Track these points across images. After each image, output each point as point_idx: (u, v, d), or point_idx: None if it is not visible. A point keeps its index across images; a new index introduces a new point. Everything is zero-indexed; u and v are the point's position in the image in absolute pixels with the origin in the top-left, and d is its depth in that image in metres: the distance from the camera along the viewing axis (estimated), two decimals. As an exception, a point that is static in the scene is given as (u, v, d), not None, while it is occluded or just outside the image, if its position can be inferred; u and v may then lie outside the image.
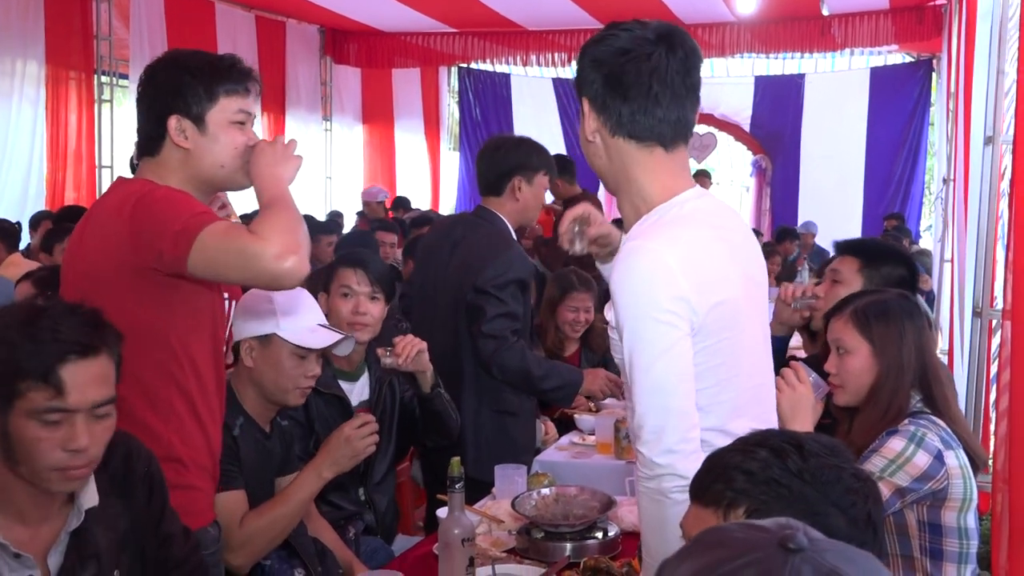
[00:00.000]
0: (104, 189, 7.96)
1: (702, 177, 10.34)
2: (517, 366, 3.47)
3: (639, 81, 1.91)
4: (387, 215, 9.74)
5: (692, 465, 1.51)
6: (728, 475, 1.35)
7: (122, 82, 9.17)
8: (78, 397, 1.75)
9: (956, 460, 2.45)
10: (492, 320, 3.45)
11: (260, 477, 2.64)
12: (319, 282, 3.12)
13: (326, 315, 2.87)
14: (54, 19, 8.25)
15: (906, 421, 2.47)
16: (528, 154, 3.66)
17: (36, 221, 6.99)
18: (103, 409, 1.81)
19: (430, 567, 2.47)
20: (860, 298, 2.65)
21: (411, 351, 3.01)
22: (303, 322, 2.65)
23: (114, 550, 1.93)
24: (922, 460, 2.40)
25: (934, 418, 2.49)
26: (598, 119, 1.98)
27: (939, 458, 2.41)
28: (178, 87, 2.20)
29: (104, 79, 8.94)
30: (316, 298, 2.86)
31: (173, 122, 2.19)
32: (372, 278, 3.06)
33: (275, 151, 2.28)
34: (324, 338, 2.65)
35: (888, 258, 3.09)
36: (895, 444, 2.42)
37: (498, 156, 3.66)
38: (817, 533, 1.03)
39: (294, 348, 2.59)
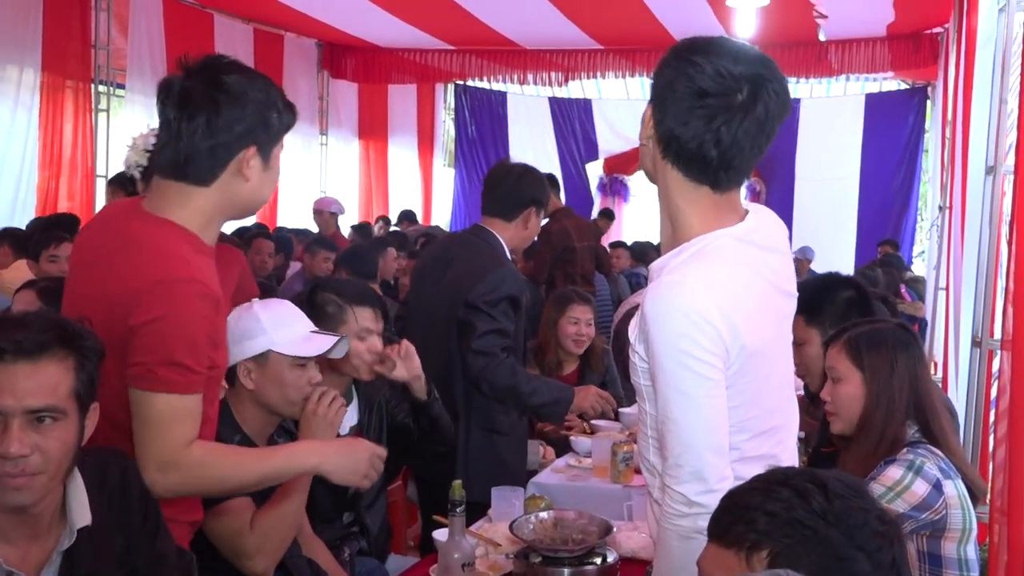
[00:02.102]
0: (100, 198, 7.97)
1: None
2: (506, 383, 3.47)
3: (708, 129, 1.81)
4: (336, 229, 9.50)
5: None
6: (750, 516, 1.32)
7: (119, 91, 9.16)
8: (10, 399, 1.69)
9: (955, 490, 2.44)
10: (482, 336, 3.45)
11: (261, 493, 2.60)
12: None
13: None
14: (52, 27, 8.24)
15: (904, 450, 2.46)
16: (544, 189, 3.82)
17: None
18: (45, 417, 1.73)
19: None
20: (857, 327, 2.64)
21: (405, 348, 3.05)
22: (295, 332, 2.62)
23: (108, 570, 1.89)
24: (920, 488, 2.39)
25: (932, 448, 2.48)
26: (655, 134, 1.90)
27: (937, 487, 2.40)
28: (266, 119, 2.13)
29: (102, 88, 8.94)
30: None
31: (250, 153, 2.11)
32: (379, 315, 3.08)
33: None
34: (320, 344, 2.63)
35: (825, 294, 3.05)
36: (893, 472, 2.41)
37: (521, 185, 3.74)
38: None
39: (293, 359, 2.57)
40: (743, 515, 1.33)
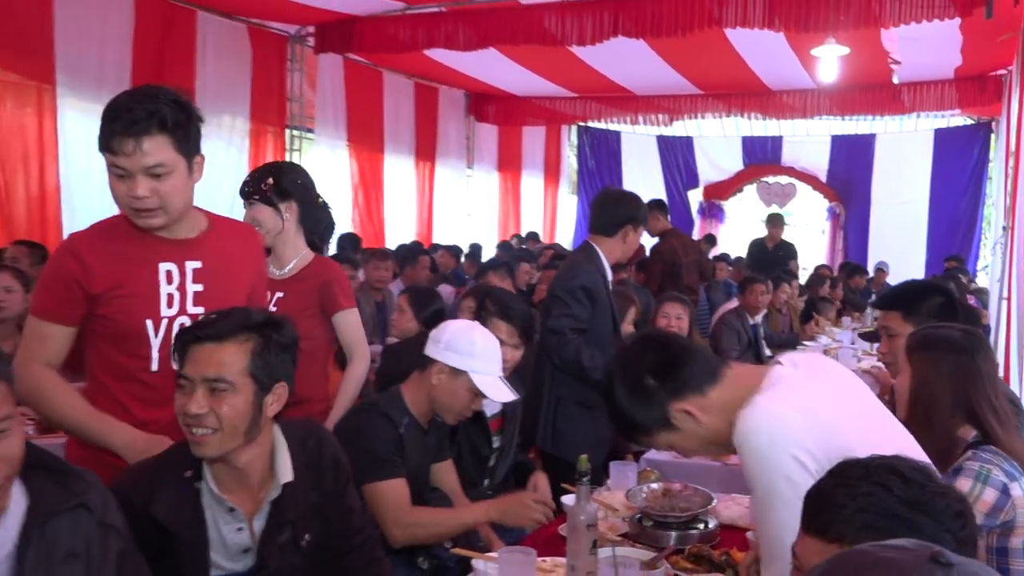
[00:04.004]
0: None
1: (776, 223, 9.92)
2: (572, 358, 3.51)
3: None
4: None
5: None
6: (839, 509, 1.24)
7: (308, 135, 9.44)
8: (194, 370, 1.80)
9: (1021, 490, 2.23)
10: (556, 318, 3.55)
11: (420, 465, 2.64)
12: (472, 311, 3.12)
13: None
14: (258, 84, 8.56)
15: (969, 454, 2.24)
16: (640, 209, 3.81)
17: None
18: (219, 386, 1.80)
19: (558, 546, 2.42)
20: (927, 328, 2.50)
21: None
22: (492, 370, 2.61)
23: (305, 518, 1.95)
24: (990, 496, 2.17)
25: (995, 449, 2.25)
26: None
27: (1005, 492, 2.18)
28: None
29: (295, 132, 9.24)
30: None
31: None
32: (519, 331, 3.08)
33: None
34: (504, 393, 2.62)
35: (922, 295, 2.90)
36: (962, 484, 2.16)
37: (619, 207, 3.76)
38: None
39: (476, 390, 2.57)
40: (838, 512, 1.24)
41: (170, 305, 2.12)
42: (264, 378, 1.84)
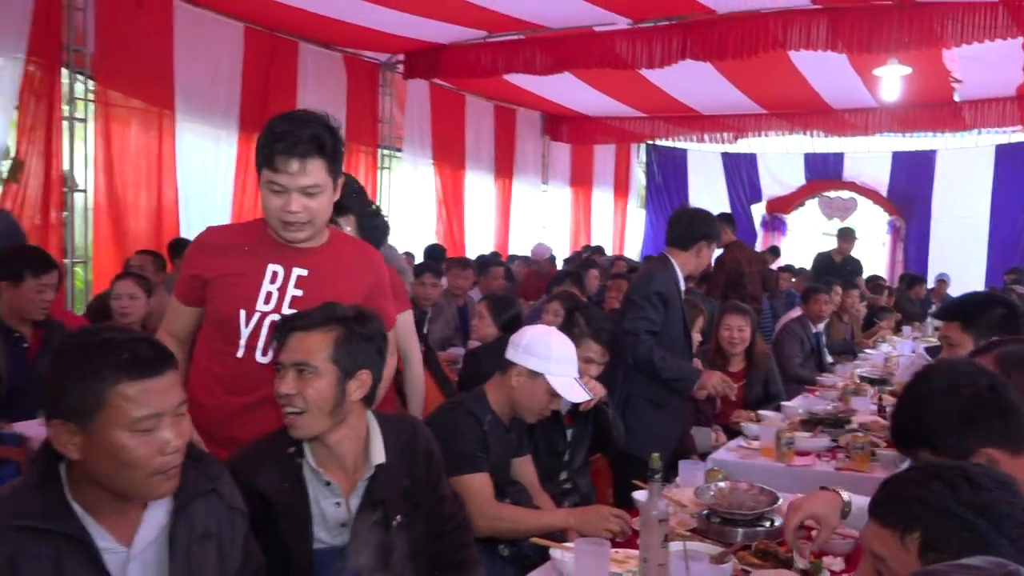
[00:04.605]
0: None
1: (847, 236, 9.58)
2: (645, 357, 3.56)
3: None
4: (551, 267, 9.58)
5: None
6: (906, 503, 1.24)
7: (396, 154, 9.61)
8: (285, 356, 1.93)
9: None
10: (632, 320, 3.59)
11: (501, 459, 2.66)
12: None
13: None
14: (352, 107, 8.74)
15: None
16: (714, 227, 3.85)
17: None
18: (304, 370, 1.89)
19: (630, 539, 2.42)
20: (1004, 344, 2.39)
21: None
22: (568, 371, 2.61)
23: (397, 500, 1.98)
24: None
25: None
26: None
27: None
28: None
29: (384, 151, 9.42)
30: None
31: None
32: (608, 349, 3.09)
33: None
34: (579, 394, 2.61)
35: (983, 307, 2.78)
36: None
37: (695, 223, 3.79)
38: None
39: (553, 391, 2.57)
40: (900, 501, 1.25)
41: (267, 302, 2.14)
42: (347, 365, 1.89)
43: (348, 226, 2.86)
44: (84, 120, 6.34)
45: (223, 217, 7.29)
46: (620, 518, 2.44)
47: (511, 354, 2.62)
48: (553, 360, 2.57)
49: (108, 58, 6.28)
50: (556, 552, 2.22)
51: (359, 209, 2.92)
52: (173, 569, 1.51)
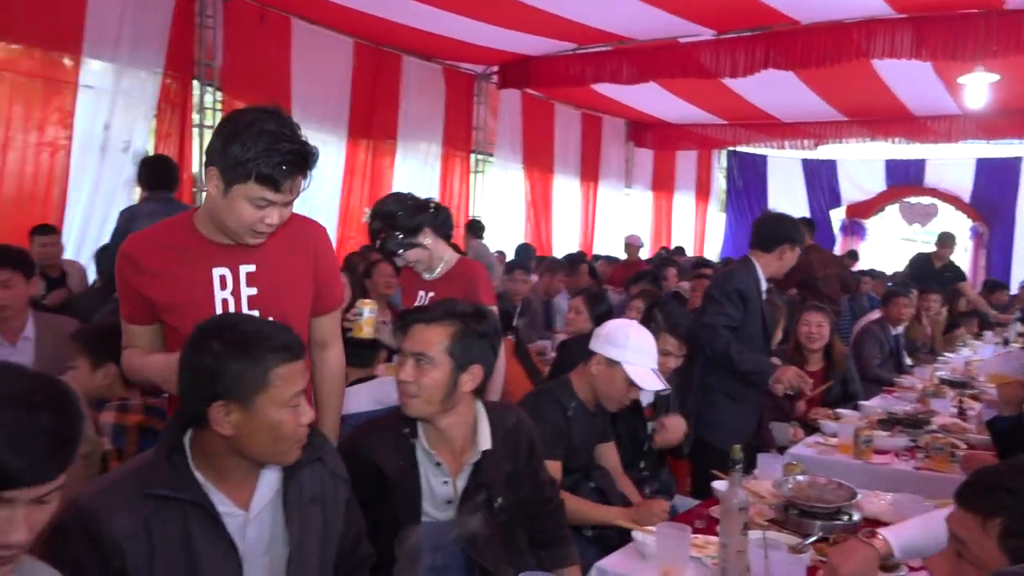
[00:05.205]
0: (468, 233, 8.51)
1: (947, 242, 8.57)
2: (722, 350, 3.49)
3: None
4: (637, 258, 9.40)
5: None
6: (993, 490, 1.23)
7: (489, 159, 9.69)
8: (407, 345, 1.93)
9: None
10: (711, 315, 3.53)
11: (585, 442, 2.65)
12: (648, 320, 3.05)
13: None
14: (450, 116, 8.89)
15: None
16: (797, 231, 3.74)
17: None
18: (421, 359, 1.90)
19: (709, 526, 2.37)
20: None
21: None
22: (644, 361, 2.58)
23: (500, 484, 2.00)
24: None
25: None
26: None
27: None
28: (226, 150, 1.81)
29: (478, 156, 9.51)
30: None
31: (211, 171, 1.84)
32: (686, 344, 3.03)
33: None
34: (655, 383, 2.58)
35: None
36: None
37: (777, 227, 3.71)
38: None
39: (631, 380, 2.55)
40: (988, 488, 1.24)
41: (224, 310, 1.88)
42: (461, 358, 1.92)
43: (428, 238, 2.73)
44: (212, 127, 6.63)
45: (331, 216, 7.51)
46: (663, 510, 2.43)
47: (593, 343, 2.63)
48: (630, 349, 2.55)
49: (234, 71, 6.54)
50: (638, 534, 2.19)
51: (428, 220, 2.73)
52: (288, 529, 1.56)
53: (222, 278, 1.89)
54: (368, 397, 2.84)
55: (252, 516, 1.54)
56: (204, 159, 1.83)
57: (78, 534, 1.38)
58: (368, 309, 2.63)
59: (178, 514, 1.45)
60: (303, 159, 1.79)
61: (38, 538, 1.13)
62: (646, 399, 3.04)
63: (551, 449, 2.47)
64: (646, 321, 3.00)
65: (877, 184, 12.79)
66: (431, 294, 2.72)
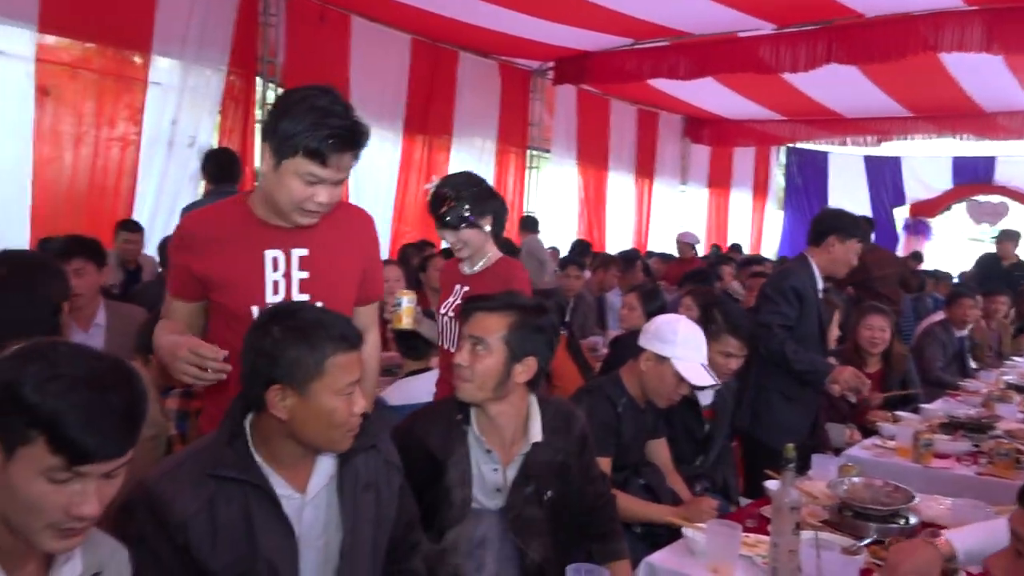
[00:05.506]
0: (521, 228, 8.53)
1: (1011, 238, 8.42)
2: (776, 349, 3.44)
3: None
4: (693, 254, 9.28)
5: None
6: None
7: (544, 155, 9.69)
8: (467, 330, 1.98)
9: None
10: (766, 314, 3.48)
11: (635, 438, 2.65)
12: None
13: None
14: (505, 111, 8.90)
15: None
16: (841, 220, 3.62)
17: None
18: (477, 346, 1.94)
19: (761, 525, 2.35)
20: None
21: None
22: (693, 356, 2.56)
23: (549, 477, 2.03)
24: None
25: None
26: None
27: None
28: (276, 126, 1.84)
29: (533, 152, 9.51)
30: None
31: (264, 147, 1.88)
32: (747, 344, 3.00)
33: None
34: (704, 378, 2.56)
35: None
36: None
37: (822, 219, 3.66)
38: None
39: (681, 375, 2.54)
40: None
41: (275, 292, 1.88)
42: (516, 349, 1.95)
43: (487, 227, 2.66)
44: (273, 123, 6.78)
45: (386, 211, 7.61)
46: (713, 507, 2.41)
47: (641, 340, 2.62)
48: (679, 345, 2.54)
49: (295, 67, 6.68)
50: (688, 531, 2.19)
51: (497, 210, 2.68)
52: (342, 513, 1.61)
53: (275, 260, 1.89)
54: (423, 389, 2.89)
55: (308, 499, 1.59)
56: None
57: (144, 512, 1.45)
58: (407, 299, 2.63)
59: (239, 495, 1.51)
60: (353, 136, 1.78)
61: (106, 515, 1.19)
62: (705, 399, 3.02)
63: (601, 445, 2.47)
64: (705, 321, 2.96)
65: (943, 182, 12.38)
66: (466, 289, 2.66)
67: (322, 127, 1.74)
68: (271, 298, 1.88)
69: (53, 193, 5.40)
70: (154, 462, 1.80)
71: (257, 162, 6.55)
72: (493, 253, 2.68)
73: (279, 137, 1.78)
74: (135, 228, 5.30)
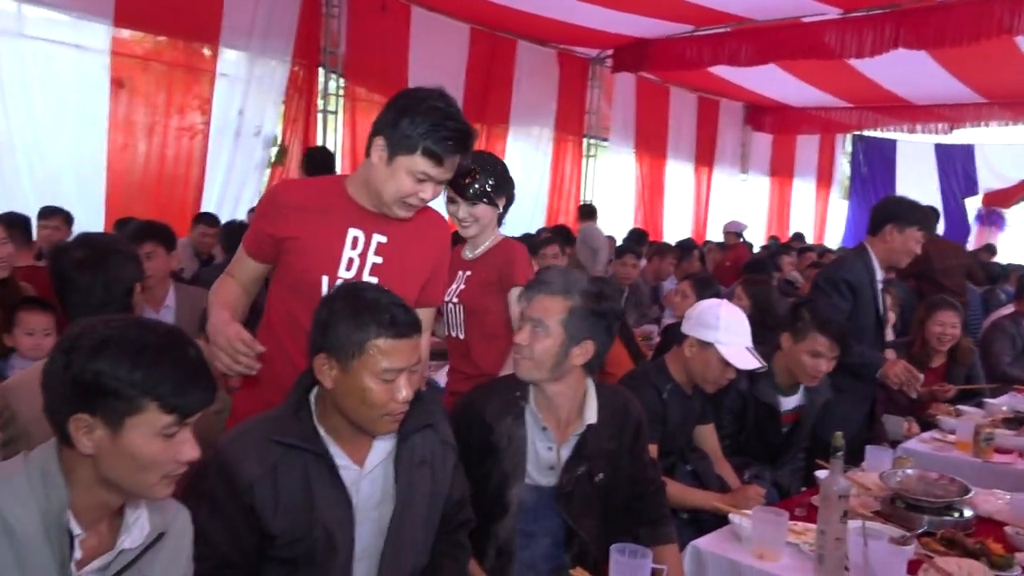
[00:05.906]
0: (579, 216, 8.53)
1: None
2: None
3: None
4: (739, 242, 9.11)
5: None
6: None
7: (603, 143, 9.66)
8: (528, 311, 2.00)
9: None
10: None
11: (682, 423, 2.66)
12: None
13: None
14: (563, 100, 8.93)
15: None
16: (902, 208, 3.48)
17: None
18: (536, 326, 1.98)
19: (810, 514, 2.35)
20: None
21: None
22: (739, 341, 2.55)
23: (601, 460, 2.06)
24: None
25: None
26: None
27: None
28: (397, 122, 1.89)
29: (591, 141, 9.49)
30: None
31: (377, 141, 1.93)
32: (838, 343, 2.87)
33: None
34: (749, 361, 2.53)
35: None
36: None
37: (881, 207, 3.55)
38: None
39: (725, 360, 2.53)
40: None
41: (348, 268, 1.94)
42: (574, 332, 1.98)
43: (500, 208, 2.62)
44: (335, 112, 6.94)
45: (442, 199, 7.67)
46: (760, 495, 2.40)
47: (685, 326, 2.62)
48: (721, 330, 2.53)
49: (356, 58, 6.82)
50: (735, 517, 2.20)
51: (510, 191, 2.63)
52: (397, 487, 1.68)
53: (355, 239, 1.96)
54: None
55: (366, 472, 1.66)
56: (371, 129, 1.92)
57: (216, 473, 1.56)
58: None
59: (301, 463, 1.59)
60: (466, 139, 1.88)
61: (183, 475, 1.30)
62: (788, 405, 2.98)
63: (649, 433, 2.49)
64: (792, 320, 2.93)
65: (1019, 171, 11.90)
66: (468, 273, 2.62)
67: (441, 129, 1.83)
68: (343, 273, 1.94)
69: (126, 180, 5.65)
70: (220, 435, 1.89)
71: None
72: (496, 236, 2.66)
73: (399, 134, 1.85)
74: (213, 222, 5.50)
